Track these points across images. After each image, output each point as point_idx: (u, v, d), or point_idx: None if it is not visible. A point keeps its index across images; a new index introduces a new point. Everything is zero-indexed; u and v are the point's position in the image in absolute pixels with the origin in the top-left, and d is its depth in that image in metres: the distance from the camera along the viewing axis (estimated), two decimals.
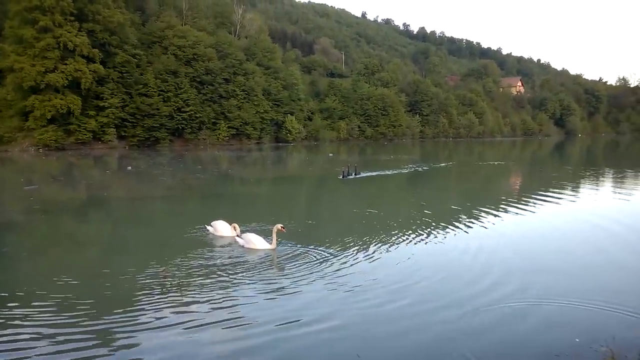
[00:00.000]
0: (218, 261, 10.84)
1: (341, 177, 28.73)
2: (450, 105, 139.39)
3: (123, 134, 77.54)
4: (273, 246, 11.81)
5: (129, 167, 39.44)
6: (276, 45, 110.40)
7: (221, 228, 13.70)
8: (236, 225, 13.52)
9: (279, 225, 11.88)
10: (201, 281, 9.57)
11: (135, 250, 12.59)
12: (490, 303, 8.62)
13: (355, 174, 29.31)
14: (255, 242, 12.07)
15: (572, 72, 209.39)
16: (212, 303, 8.57)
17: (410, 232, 13.94)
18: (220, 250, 12.09)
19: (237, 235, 13.34)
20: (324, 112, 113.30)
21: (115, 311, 8.32)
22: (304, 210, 19.78)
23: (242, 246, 12.12)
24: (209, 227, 14.06)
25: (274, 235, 11.86)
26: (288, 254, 11.36)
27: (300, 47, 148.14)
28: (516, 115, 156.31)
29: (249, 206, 20.40)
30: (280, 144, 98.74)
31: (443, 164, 41.96)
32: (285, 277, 9.89)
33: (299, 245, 11.87)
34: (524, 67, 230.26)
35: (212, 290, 9.11)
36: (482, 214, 16.37)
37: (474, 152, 73.52)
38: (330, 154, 58.91)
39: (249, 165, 47.09)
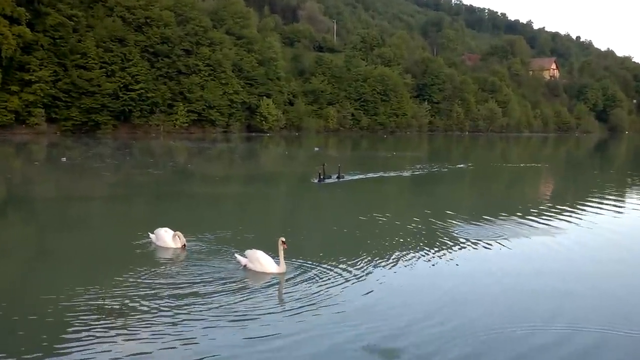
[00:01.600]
0: (161, 280, 10.83)
1: (316, 180, 27.55)
2: (468, 90, 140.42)
3: (54, 116, 77.37)
4: (282, 269, 11.35)
5: (64, 159, 39.20)
6: (251, 10, 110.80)
7: (163, 237, 13.78)
8: (180, 235, 13.55)
9: (282, 239, 11.40)
10: (145, 305, 9.54)
11: (65, 263, 12.48)
12: (515, 329, 8.78)
13: (338, 177, 28.32)
14: (265, 263, 11.41)
15: (619, 53, 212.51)
16: (156, 336, 8.53)
17: (427, 250, 14.09)
18: (163, 265, 12.19)
19: (184, 246, 13.41)
20: (309, 95, 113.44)
21: (37, 343, 8.26)
22: (278, 218, 19.81)
23: (245, 268, 11.68)
24: (151, 236, 14.13)
25: (281, 253, 11.36)
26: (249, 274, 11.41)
27: (281, 12, 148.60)
28: (549, 106, 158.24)
29: (210, 211, 20.34)
30: (254, 133, 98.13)
31: (457, 166, 42.30)
32: (247, 302, 9.91)
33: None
34: (559, 46, 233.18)
35: (155, 318, 9.09)
36: (504, 231, 16.56)
37: (495, 151, 74.23)
38: (316, 148, 59.07)
39: (213, 159, 46.98)
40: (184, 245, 13.48)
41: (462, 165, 42.36)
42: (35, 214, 19.55)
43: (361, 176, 31.50)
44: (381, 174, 33.73)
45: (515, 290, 11.10)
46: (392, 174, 34.21)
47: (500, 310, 9.91)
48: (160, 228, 13.98)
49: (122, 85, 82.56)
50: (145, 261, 12.53)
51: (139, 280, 10.97)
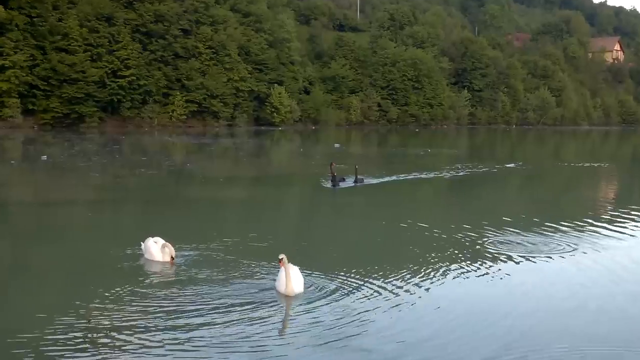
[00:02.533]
0: (153, 301, 10.83)
1: (330, 184, 27.58)
2: (515, 76, 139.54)
3: (31, 107, 78.09)
4: (290, 291, 11.42)
5: (44, 157, 39.62)
6: None
7: (150, 249, 13.84)
8: (169, 247, 13.60)
9: (281, 257, 11.51)
10: (131, 334, 9.58)
11: (42, 280, 12.57)
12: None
13: (356, 181, 28.04)
14: (297, 283, 11.59)
15: None
16: None
17: (464, 266, 14.05)
18: (155, 284, 12.28)
19: (172, 259, 13.45)
20: (328, 83, 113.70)
21: None
22: (289, 229, 19.82)
23: (277, 291, 11.67)
24: (142, 246, 14.25)
25: (287, 273, 11.43)
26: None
27: None
28: (611, 94, 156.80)
29: (211, 219, 20.39)
30: (263, 127, 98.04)
31: (505, 166, 41.84)
32: (252, 331, 9.90)
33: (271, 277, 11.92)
34: (624, 24, 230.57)
35: (141, 351, 9.12)
36: (557, 244, 16.41)
37: (548, 147, 73.58)
38: (336, 145, 58.98)
39: (215, 158, 47.09)
40: (173, 258, 13.53)
41: (512, 165, 41.95)
42: (10, 222, 19.73)
43: (387, 178, 31.23)
44: (412, 175, 33.61)
45: (564, 311, 10.99)
46: (425, 175, 34.11)
47: (546, 340, 9.80)
48: (150, 238, 14.05)
49: (109, 72, 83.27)
50: (135, 278, 12.56)
51: (126, 302, 10.96)
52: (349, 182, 28.15)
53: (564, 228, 18.46)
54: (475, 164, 41.69)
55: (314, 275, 12.54)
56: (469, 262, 14.31)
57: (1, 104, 74.72)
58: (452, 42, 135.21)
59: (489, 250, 15.39)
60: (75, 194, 25.45)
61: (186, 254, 14.30)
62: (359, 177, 28.47)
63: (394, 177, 31.94)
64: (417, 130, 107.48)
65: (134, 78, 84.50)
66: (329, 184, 27.72)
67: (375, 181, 29.85)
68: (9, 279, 12.91)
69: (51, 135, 66.70)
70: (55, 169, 35.29)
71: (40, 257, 14.48)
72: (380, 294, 11.72)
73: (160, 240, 13.82)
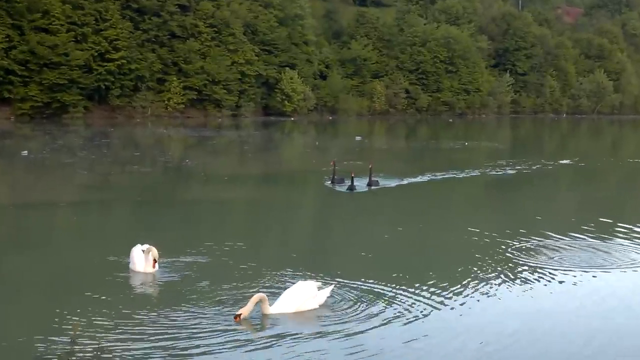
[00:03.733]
0: (145, 321, 10.89)
1: (330, 182, 27.87)
2: (565, 57, 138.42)
3: (6, 95, 78.20)
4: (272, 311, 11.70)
5: (24, 152, 39.96)
6: None
7: (133, 258, 13.93)
8: (153, 251, 13.65)
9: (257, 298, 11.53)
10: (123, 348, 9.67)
11: (20, 294, 12.70)
12: None
13: (369, 184, 27.33)
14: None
15: None
16: None
17: (500, 281, 14.07)
18: (135, 297, 12.36)
19: (155, 261, 13.51)
20: (348, 66, 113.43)
21: None
22: (300, 236, 19.89)
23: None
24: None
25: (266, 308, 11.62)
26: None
27: None
28: None
29: (212, 223, 20.50)
30: (273, 117, 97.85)
31: (556, 162, 41.21)
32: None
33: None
34: None
35: None
36: (610, 258, 16.28)
37: (605, 140, 72.91)
38: (358, 137, 58.94)
39: (218, 153, 47.17)
40: (155, 261, 13.60)
41: (565, 162, 41.43)
42: None
43: (412, 179, 30.60)
44: (444, 174, 33.09)
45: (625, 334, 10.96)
46: (460, 174, 33.62)
47: None
48: (138, 245, 14.11)
49: (96, 54, 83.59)
50: (122, 293, 12.72)
51: (112, 320, 11.01)
52: (362, 186, 27.18)
53: (628, 238, 18.24)
54: (520, 160, 41.26)
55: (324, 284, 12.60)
56: (511, 274, 14.27)
57: None
58: (492, 18, 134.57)
59: (535, 262, 15.27)
60: (60, 195, 25.63)
61: (182, 263, 14.37)
62: (373, 178, 27.72)
63: (420, 178, 31.39)
64: (450, 120, 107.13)
65: (124, 62, 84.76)
66: (329, 182, 28.06)
67: (394, 183, 29.21)
68: None
69: (30, 128, 67.14)
70: (36, 165, 35.56)
71: (17, 268, 14.58)
72: (397, 312, 11.73)
73: (153, 249, 13.87)
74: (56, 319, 10.95)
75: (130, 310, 11.60)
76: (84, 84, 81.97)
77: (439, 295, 12.66)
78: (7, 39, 77.43)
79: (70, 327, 10.55)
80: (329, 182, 28.03)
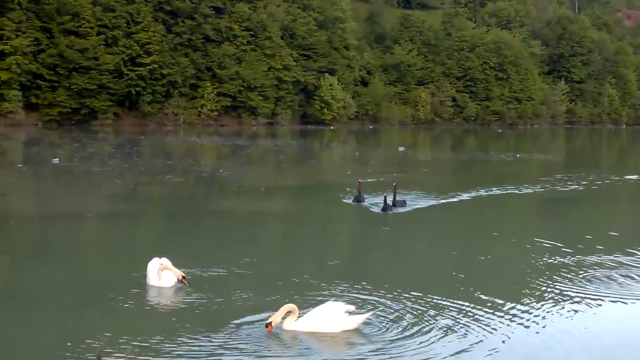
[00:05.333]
0: (170, 342, 11.03)
1: (352, 200, 26.32)
2: (626, 64, 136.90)
3: (34, 101, 79.64)
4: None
5: (55, 160, 40.69)
6: None
7: (149, 274, 14.08)
8: (167, 265, 13.78)
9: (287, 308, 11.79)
10: None
11: (43, 305, 12.93)
12: None
13: (393, 204, 25.08)
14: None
15: None
16: None
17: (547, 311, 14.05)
18: (159, 313, 12.49)
19: (182, 279, 13.66)
20: (391, 72, 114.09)
21: None
22: (339, 252, 19.96)
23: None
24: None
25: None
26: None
27: None
28: None
29: (246, 236, 20.62)
30: (311, 126, 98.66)
31: (621, 178, 39.97)
32: None
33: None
34: None
35: None
36: None
37: None
38: (401, 148, 58.78)
39: (253, 162, 47.43)
40: (184, 277, 13.79)
41: (634, 177, 40.25)
42: (6, 239, 20.20)
43: (450, 198, 28.88)
44: (491, 190, 31.80)
45: None
46: (508, 189, 32.69)
47: None
48: (155, 259, 14.21)
49: (127, 59, 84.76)
50: (148, 308, 12.93)
51: (136, 336, 11.12)
52: (383, 207, 24.79)
53: None
54: (577, 175, 40.09)
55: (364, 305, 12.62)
56: (561, 302, 14.19)
57: (0, 97, 76.35)
58: (546, 22, 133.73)
59: (595, 292, 15.10)
60: (90, 205, 26.00)
61: (212, 279, 14.48)
62: (398, 198, 25.51)
63: (460, 196, 29.60)
64: (499, 130, 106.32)
65: (156, 66, 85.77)
66: (377, 209, 25.25)
67: (428, 203, 27.32)
68: (1, 306, 13.22)
69: (57, 135, 68.05)
70: (67, 174, 36.20)
71: (42, 281, 14.80)
72: (444, 340, 11.77)
73: (167, 262, 14.01)
74: (80, 334, 11.11)
75: (156, 326, 11.76)
76: (114, 90, 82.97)
77: (487, 326, 12.59)
78: (36, 42, 78.61)
79: (94, 342, 10.69)
80: (353, 198, 26.59)
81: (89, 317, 12.20)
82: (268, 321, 11.40)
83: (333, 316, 11.64)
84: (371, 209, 25.61)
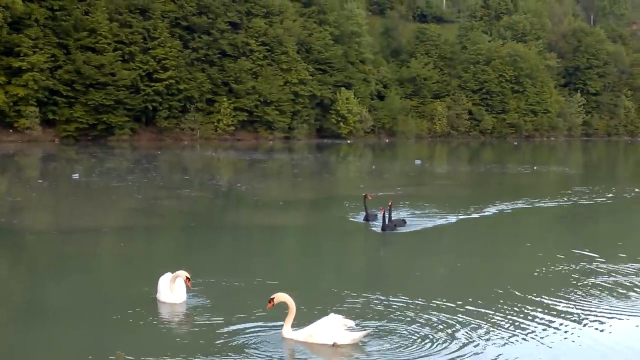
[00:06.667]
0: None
1: (378, 227, 23.08)
2: None
3: (51, 117, 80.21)
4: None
5: (75, 175, 41.02)
6: None
7: (161, 288, 13.96)
8: (181, 277, 13.62)
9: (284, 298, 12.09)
10: None
11: (61, 319, 13.02)
12: None
13: (391, 222, 23.20)
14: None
15: None
16: None
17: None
18: (172, 328, 12.52)
19: (186, 280, 13.54)
20: (407, 85, 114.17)
21: None
22: (350, 270, 19.84)
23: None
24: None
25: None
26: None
27: None
28: None
29: (264, 250, 20.66)
30: (327, 140, 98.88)
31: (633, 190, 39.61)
32: None
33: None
34: None
35: None
36: None
37: None
38: (417, 161, 58.78)
39: (270, 176, 47.41)
40: (189, 279, 13.63)
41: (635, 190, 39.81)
42: (22, 254, 20.40)
43: (462, 216, 27.15)
44: (505, 205, 30.83)
45: None
46: (525, 202, 31.99)
47: None
48: (167, 273, 14.08)
49: (143, 74, 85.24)
50: (164, 323, 12.99)
51: (150, 351, 11.15)
52: (388, 226, 23.17)
53: None
54: (595, 187, 39.47)
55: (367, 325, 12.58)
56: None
57: (17, 114, 76.82)
58: (562, 34, 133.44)
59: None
60: (111, 219, 26.27)
61: (229, 293, 14.48)
62: (397, 217, 24.15)
63: (479, 212, 28.28)
64: (515, 143, 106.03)
65: (173, 82, 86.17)
66: (378, 228, 23.63)
67: (434, 223, 25.46)
68: (13, 320, 13.34)
69: (74, 150, 68.40)
70: (88, 189, 36.66)
71: (60, 295, 14.85)
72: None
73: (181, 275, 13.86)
74: (98, 348, 11.13)
75: (173, 341, 11.78)
76: (130, 105, 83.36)
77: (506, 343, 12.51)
78: (53, 59, 79.15)
79: (110, 354, 10.68)
80: (364, 222, 24.85)
81: (106, 331, 12.29)
82: (272, 297, 11.97)
83: (328, 327, 11.65)
84: (373, 228, 24.39)
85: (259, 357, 10.95)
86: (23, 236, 22.88)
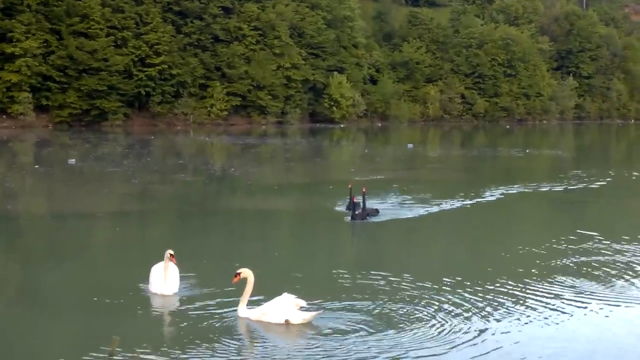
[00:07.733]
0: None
1: (348, 211, 22.17)
2: (634, 59, 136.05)
3: (44, 103, 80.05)
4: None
5: (71, 161, 41.10)
6: None
7: (152, 278, 13.76)
8: (171, 265, 13.49)
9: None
10: None
11: (56, 305, 13.19)
12: None
13: (364, 211, 21.91)
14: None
15: None
16: None
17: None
18: (165, 315, 12.53)
19: (170, 258, 13.42)
20: (400, 70, 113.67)
21: None
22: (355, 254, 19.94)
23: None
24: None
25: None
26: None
27: None
28: None
29: (259, 236, 20.88)
30: (320, 124, 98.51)
31: (632, 174, 39.47)
32: None
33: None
34: None
35: None
36: None
37: None
38: (409, 145, 58.86)
39: (263, 161, 47.53)
40: (172, 255, 13.45)
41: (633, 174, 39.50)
42: (16, 240, 20.50)
43: (455, 203, 26.08)
44: (499, 190, 30.04)
45: None
46: (514, 189, 30.94)
47: None
48: (160, 264, 13.87)
49: (136, 59, 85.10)
50: (158, 310, 13.08)
51: (145, 337, 11.22)
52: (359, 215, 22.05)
53: None
54: (587, 170, 38.72)
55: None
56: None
57: (10, 100, 76.74)
58: (554, 18, 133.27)
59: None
60: (108, 204, 26.40)
61: (223, 276, 14.56)
62: (365, 207, 22.21)
63: (469, 200, 27.20)
64: (508, 127, 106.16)
65: (166, 67, 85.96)
66: (348, 213, 22.66)
67: (415, 212, 24.04)
68: (11, 307, 13.42)
69: (67, 136, 68.30)
70: (84, 174, 36.81)
71: (54, 281, 14.91)
72: None
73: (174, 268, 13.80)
74: (91, 336, 11.22)
75: (167, 328, 11.94)
76: (123, 90, 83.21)
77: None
78: (45, 44, 78.92)
79: (104, 343, 10.76)
80: (346, 211, 23.36)
81: (100, 317, 12.27)
82: (238, 271, 12.28)
83: (280, 306, 11.80)
84: (338, 208, 24.33)
85: (257, 345, 11.08)
86: (26, 220, 23.04)
